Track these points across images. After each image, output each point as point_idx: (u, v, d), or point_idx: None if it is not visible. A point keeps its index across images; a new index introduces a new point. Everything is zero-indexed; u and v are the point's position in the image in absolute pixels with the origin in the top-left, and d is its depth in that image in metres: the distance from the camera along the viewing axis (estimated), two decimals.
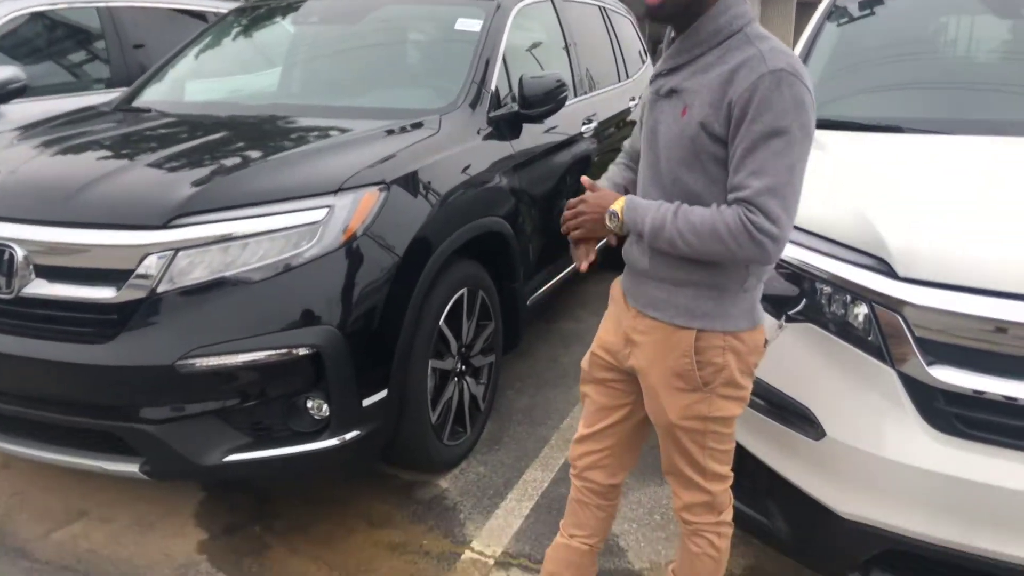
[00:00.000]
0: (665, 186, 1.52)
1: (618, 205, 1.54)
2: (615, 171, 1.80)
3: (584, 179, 1.66)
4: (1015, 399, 1.56)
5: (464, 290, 2.77)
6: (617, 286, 1.75)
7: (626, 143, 1.85)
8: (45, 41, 4.66)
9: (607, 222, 1.56)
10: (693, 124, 1.44)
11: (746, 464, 1.94)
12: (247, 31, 3.89)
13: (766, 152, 1.36)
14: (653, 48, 4.48)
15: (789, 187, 1.37)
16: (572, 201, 1.64)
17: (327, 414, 2.27)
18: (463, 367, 2.87)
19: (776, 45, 1.42)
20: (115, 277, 2.19)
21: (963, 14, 2.72)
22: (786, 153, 1.36)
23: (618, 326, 1.68)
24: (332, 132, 2.75)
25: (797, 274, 1.83)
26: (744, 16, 1.47)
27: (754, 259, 1.41)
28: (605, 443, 1.77)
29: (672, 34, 1.54)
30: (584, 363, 1.80)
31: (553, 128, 3.52)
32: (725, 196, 1.44)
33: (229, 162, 2.45)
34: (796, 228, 1.76)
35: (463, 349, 2.85)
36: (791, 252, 1.85)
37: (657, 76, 1.56)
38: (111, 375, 2.15)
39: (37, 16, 4.55)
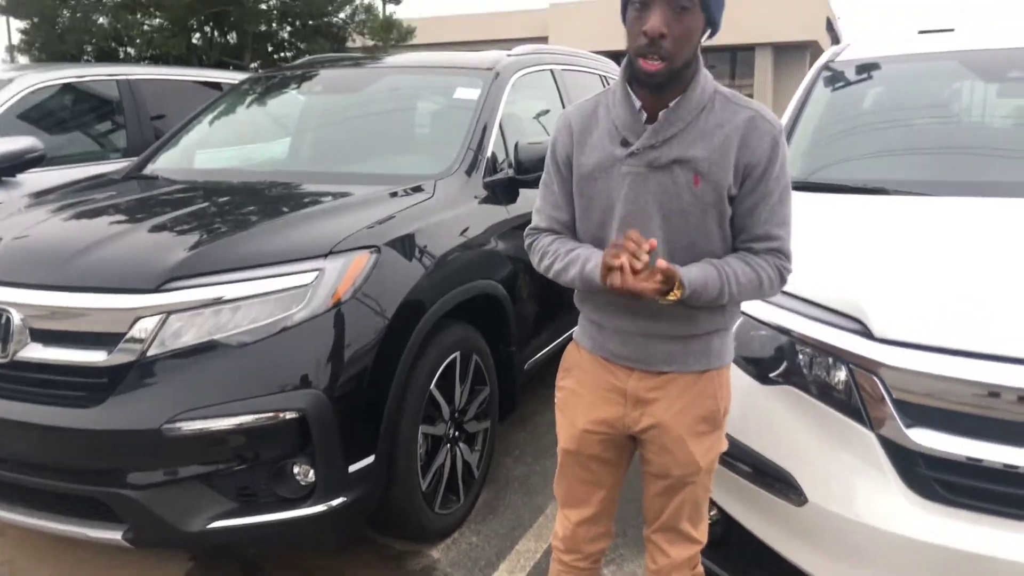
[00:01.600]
0: (674, 252, 1.49)
1: (677, 297, 1.42)
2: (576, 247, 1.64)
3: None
4: (1016, 467, 1.51)
5: (457, 354, 2.76)
6: (583, 354, 1.68)
7: (543, 218, 1.76)
8: (66, 112, 4.83)
9: (659, 301, 1.44)
10: (714, 191, 1.46)
11: (732, 532, 1.89)
12: (255, 101, 4.02)
13: (782, 204, 1.50)
14: None
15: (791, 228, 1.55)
16: (622, 285, 1.38)
17: (313, 480, 2.24)
18: (456, 433, 2.84)
19: (758, 104, 1.52)
20: (107, 341, 2.21)
21: (950, 80, 2.75)
22: (791, 201, 1.53)
23: (611, 393, 1.61)
24: (327, 197, 2.81)
25: (777, 336, 1.81)
26: (709, 77, 1.53)
27: (776, 293, 1.56)
28: (605, 515, 1.77)
29: (640, 105, 1.51)
30: (570, 445, 1.69)
31: None
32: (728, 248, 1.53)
33: (224, 226, 2.50)
34: None
35: (456, 414, 2.83)
36: (771, 314, 1.84)
37: (644, 149, 1.48)
38: (98, 439, 2.14)
39: (59, 88, 4.74)
